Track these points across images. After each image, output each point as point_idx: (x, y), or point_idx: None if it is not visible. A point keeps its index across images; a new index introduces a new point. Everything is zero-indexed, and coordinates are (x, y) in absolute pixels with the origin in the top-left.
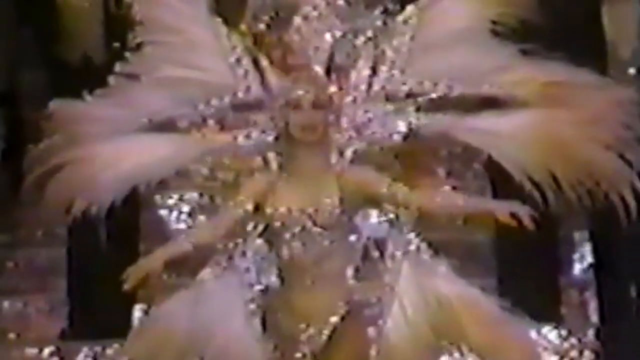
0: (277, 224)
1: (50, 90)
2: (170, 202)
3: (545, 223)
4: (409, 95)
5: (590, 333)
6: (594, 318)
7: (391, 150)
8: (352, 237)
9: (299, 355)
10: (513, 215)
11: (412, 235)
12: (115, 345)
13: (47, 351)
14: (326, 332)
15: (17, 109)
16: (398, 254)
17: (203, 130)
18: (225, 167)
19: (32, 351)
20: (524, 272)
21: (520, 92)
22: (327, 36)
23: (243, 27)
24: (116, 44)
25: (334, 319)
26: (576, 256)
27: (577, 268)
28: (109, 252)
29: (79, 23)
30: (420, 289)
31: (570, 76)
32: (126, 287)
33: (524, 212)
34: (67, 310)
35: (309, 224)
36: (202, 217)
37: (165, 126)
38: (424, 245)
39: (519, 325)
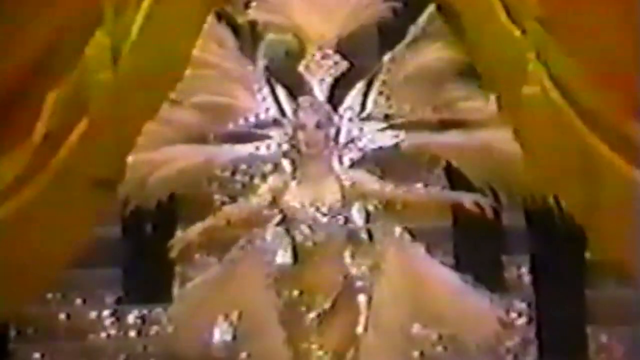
0: (291, 215)
1: None
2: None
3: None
4: (393, 116)
5: (526, 302)
6: (529, 289)
7: (380, 158)
8: (350, 225)
9: (307, 318)
10: (477, 205)
11: (395, 223)
12: (158, 309)
13: (106, 312)
14: (329, 300)
15: None
16: (385, 238)
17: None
18: (242, 171)
19: (94, 313)
20: (475, 253)
21: (477, 116)
22: (331, 71)
23: (261, 63)
24: None
25: (335, 290)
26: (515, 240)
27: (516, 250)
28: (153, 237)
29: None
30: (402, 267)
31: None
32: (172, 254)
33: (485, 203)
34: (122, 282)
35: (317, 214)
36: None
37: (201, 139)
38: (405, 232)
39: (478, 294)
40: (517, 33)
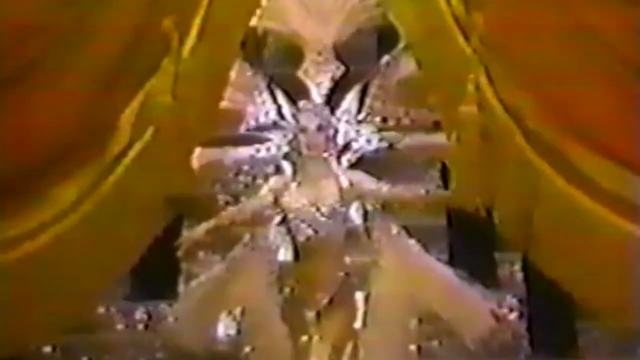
0: (292, 214)
1: None
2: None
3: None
4: (389, 119)
5: (517, 298)
6: (521, 286)
7: (376, 159)
8: (348, 224)
9: (308, 313)
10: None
11: (392, 222)
12: (165, 305)
13: (113, 309)
14: (329, 296)
15: None
16: (382, 237)
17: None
18: (245, 172)
19: (102, 309)
20: (469, 250)
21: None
22: (328, 75)
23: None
24: None
25: (334, 286)
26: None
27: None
28: (160, 238)
29: None
30: (398, 264)
31: None
32: (179, 253)
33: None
34: (130, 280)
35: (316, 214)
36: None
37: (207, 143)
38: (401, 230)
39: (472, 290)
40: (468, 51)
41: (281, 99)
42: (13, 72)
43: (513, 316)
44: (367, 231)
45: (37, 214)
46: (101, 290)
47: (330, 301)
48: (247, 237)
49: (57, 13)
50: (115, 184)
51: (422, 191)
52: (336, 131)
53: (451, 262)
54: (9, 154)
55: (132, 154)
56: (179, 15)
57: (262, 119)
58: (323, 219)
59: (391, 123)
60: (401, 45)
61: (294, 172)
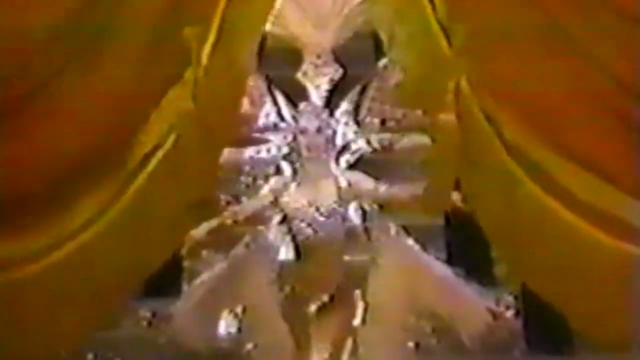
0: (292, 214)
1: None
2: None
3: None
4: (386, 120)
5: (513, 295)
6: (517, 284)
7: (375, 160)
8: (347, 224)
9: (308, 311)
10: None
11: (391, 221)
12: (167, 303)
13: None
14: (328, 294)
15: None
16: (381, 236)
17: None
18: (246, 173)
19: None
20: (466, 249)
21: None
22: (327, 78)
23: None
24: None
25: (334, 284)
26: None
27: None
28: None
29: None
30: (397, 262)
31: None
32: (182, 252)
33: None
34: None
35: (316, 214)
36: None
37: None
38: (400, 230)
39: (469, 287)
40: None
41: (281, 101)
42: (39, 83)
43: (509, 314)
44: (366, 230)
45: (64, 223)
46: (125, 296)
47: (330, 299)
48: (248, 236)
49: (80, 20)
50: (138, 192)
51: (419, 191)
52: (335, 133)
53: (449, 260)
54: (35, 166)
55: (154, 160)
56: (198, 23)
57: (262, 121)
58: (322, 218)
59: (389, 124)
60: (397, 49)
61: (294, 173)
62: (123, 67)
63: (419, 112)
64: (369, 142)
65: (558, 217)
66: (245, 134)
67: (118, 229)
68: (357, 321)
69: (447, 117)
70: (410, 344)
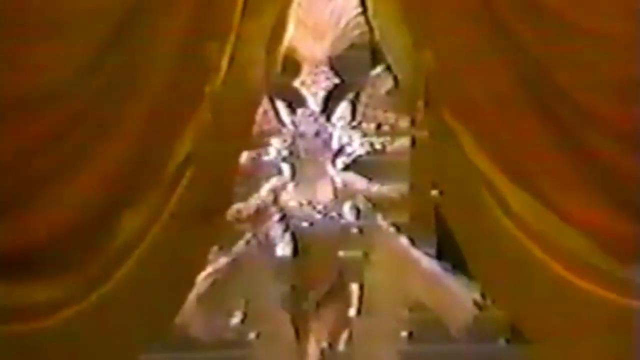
0: (290, 213)
1: None
2: None
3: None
4: (380, 125)
5: None
6: None
7: (368, 161)
8: (342, 221)
9: (306, 304)
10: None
11: (383, 219)
12: None
13: None
14: (325, 287)
15: None
16: (373, 232)
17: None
18: (247, 174)
19: None
20: (455, 245)
21: None
22: (323, 85)
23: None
24: None
25: (331, 278)
26: None
27: None
28: None
29: None
30: (389, 257)
31: None
32: None
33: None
34: None
35: (313, 212)
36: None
37: None
38: (391, 227)
39: (457, 281)
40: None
41: (281, 107)
42: (76, 115)
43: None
44: (360, 228)
45: (108, 242)
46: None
47: (327, 292)
48: (249, 233)
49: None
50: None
51: (409, 191)
52: (331, 136)
53: (439, 255)
54: (81, 192)
55: (188, 174)
56: (217, 38)
57: (264, 126)
58: (319, 216)
59: (382, 129)
60: (389, 60)
61: (293, 174)
62: (153, 87)
63: (409, 117)
64: (362, 145)
65: (515, 238)
66: (248, 138)
67: (163, 240)
68: (352, 312)
69: (421, 133)
70: (404, 334)
